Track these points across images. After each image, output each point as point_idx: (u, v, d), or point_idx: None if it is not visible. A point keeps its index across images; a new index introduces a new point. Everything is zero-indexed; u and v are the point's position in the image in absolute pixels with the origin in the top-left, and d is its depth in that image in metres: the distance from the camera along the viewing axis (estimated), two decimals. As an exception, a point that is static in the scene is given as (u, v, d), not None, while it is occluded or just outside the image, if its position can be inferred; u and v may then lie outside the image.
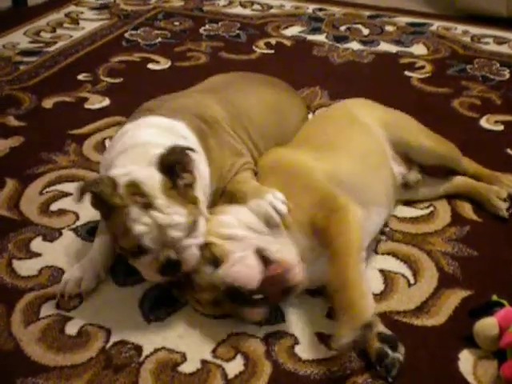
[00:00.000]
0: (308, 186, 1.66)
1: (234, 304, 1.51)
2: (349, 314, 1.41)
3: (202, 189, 1.62)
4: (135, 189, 1.47)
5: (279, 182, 1.68)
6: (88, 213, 1.94)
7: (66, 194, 2.05)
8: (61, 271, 1.75)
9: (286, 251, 1.54)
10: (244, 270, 1.48)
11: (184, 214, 1.49)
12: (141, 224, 1.46)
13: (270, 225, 1.59)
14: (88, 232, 1.89)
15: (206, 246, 1.53)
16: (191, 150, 1.55)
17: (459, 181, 2.09)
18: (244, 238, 1.54)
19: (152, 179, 1.49)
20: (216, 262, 1.50)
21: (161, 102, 1.84)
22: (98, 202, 1.51)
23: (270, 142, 1.93)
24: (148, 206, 1.46)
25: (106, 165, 1.62)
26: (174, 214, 1.47)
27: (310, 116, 2.36)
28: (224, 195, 1.72)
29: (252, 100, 1.98)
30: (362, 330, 1.39)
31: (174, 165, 1.51)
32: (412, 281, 1.73)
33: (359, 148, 1.87)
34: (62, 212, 1.98)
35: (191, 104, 1.83)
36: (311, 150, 1.83)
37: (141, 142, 1.59)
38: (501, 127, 2.51)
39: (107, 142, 2.30)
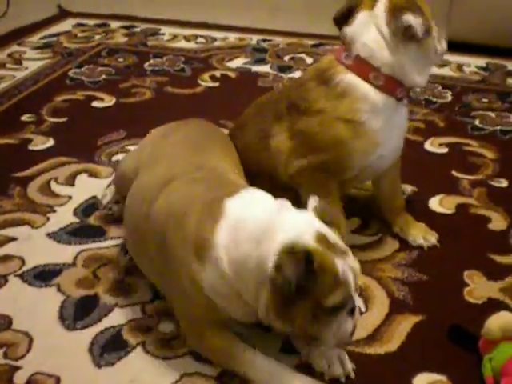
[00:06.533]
0: None
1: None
2: None
3: None
4: (324, 239, 1.41)
5: None
6: (34, 257, 1.91)
7: (11, 239, 2.00)
8: (8, 319, 1.70)
9: None
10: None
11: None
12: (346, 271, 1.40)
13: None
14: (35, 277, 1.84)
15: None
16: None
17: None
18: None
19: (326, 229, 1.44)
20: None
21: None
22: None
23: None
24: (344, 253, 1.42)
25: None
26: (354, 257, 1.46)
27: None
28: None
29: None
30: None
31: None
32: (363, 309, 1.73)
33: None
34: (7, 257, 1.93)
35: None
36: None
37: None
38: (445, 149, 2.55)
39: (52, 184, 2.28)
